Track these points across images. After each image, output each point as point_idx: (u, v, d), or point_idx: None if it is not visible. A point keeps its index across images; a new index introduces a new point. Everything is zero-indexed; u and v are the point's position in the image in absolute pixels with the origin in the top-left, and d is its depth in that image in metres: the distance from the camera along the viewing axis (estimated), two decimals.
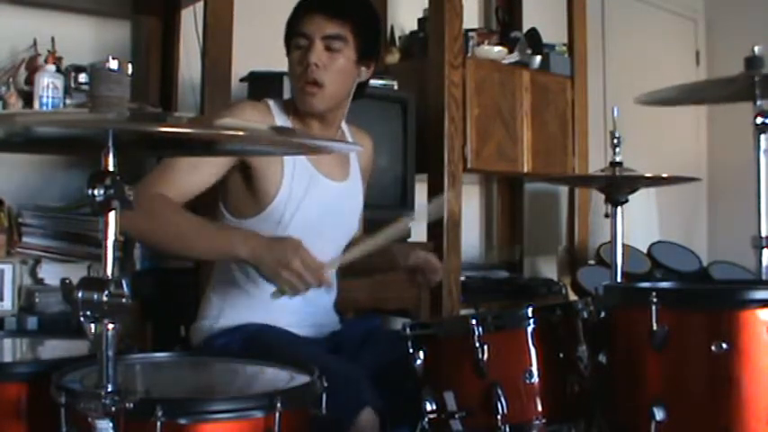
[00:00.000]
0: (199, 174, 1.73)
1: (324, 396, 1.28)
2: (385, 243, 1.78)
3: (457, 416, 1.53)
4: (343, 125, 1.97)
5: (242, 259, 1.64)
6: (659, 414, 1.43)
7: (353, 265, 1.82)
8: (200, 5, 2.62)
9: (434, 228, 3.13)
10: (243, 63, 2.68)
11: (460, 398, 1.54)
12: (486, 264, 3.92)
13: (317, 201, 1.83)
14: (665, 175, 1.94)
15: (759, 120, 2.09)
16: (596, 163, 3.54)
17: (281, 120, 1.85)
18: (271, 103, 1.88)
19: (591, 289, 2.19)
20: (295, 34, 1.81)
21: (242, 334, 1.77)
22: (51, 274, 2.41)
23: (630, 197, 1.92)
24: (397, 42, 3.54)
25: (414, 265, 1.96)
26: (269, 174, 1.78)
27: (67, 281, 1.17)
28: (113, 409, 1.09)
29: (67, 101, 2.40)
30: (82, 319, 1.11)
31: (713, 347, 1.40)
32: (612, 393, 1.58)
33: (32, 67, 2.41)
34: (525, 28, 3.81)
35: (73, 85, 2.42)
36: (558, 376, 1.58)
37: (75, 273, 2.35)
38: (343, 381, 1.45)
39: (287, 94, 2.02)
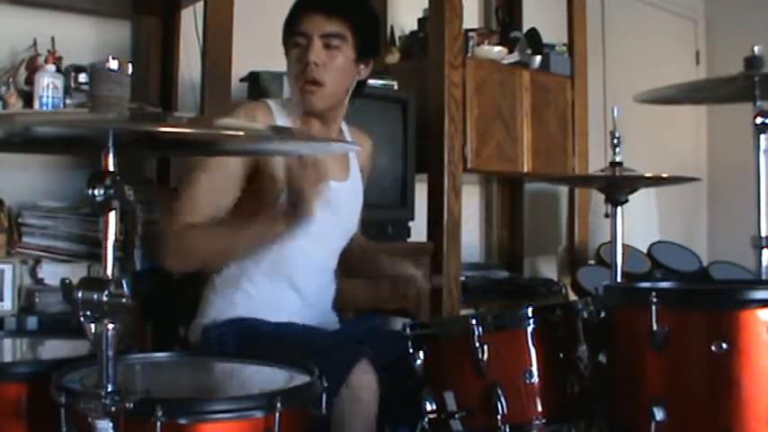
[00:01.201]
0: (218, 196, 1.73)
1: (324, 396, 1.28)
2: None
3: (457, 416, 1.53)
4: (343, 125, 1.97)
5: (285, 230, 1.68)
6: (659, 414, 1.43)
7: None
8: (200, 5, 2.62)
9: (434, 228, 3.13)
10: (243, 63, 2.68)
11: (460, 398, 1.54)
12: (486, 264, 3.92)
13: (319, 201, 1.83)
14: (665, 175, 1.94)
15: (759, 120, 2.09)
16: (596, 163, 3.54)
17: (281, 119, 1.84)
18: (270, 102, 1.88)
19: (591, 289, 2.19)
20: (293, 33, 1.81)
21: (236, 326, 1.77)
22: (51, 274, 2.41)
23: (630, 197, 1.92)
24: (397, 42, 3.54)
25: (397, 275, 1.96)
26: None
27: (67, 281, 1.17)
28: (113, 409, 1.09)
29: (67, 101, 2.39)
30: (82, 319, 1.11)
31: (713, 347, 1.40)
32: (612, 393, 1.58)
33: (32, 67, 2.41)
34: (525, 28, 3.81)
35: (73, 85, 2.42)
36: (558, 376, 1.58)
37: (76, 273, 2.35)
38: (337, 343, 1.44)
39: (287, 95, 2.02)
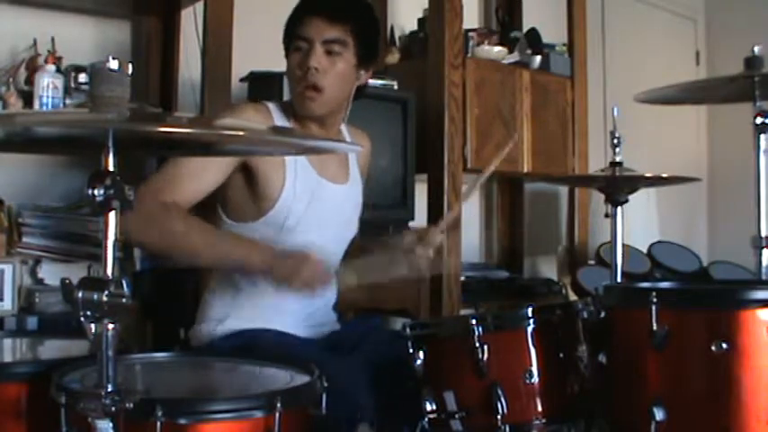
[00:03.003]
0: (203, 178, 1.72)
1: (324, 396, 1.28)
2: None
3: (457, 416, 1.53)
4: (342, 126, 1.97)
5: (255, 269, 1.68)
6: (659, 414, 1.43)
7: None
8: (200, 5, 2.62)
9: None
10: (243, 63, 2.68)
11: (460, 398, 1.54)
12: (486, 264, 3.92)
13: (320, 204, 1.83)
14: (665, 175, 1.94)
15: (759, 120, 2.09)
16: (596, 163, 3.54)
17: (280, 122, 1.84)
18: (270, 105, 1.87)
19: (591, 289, 2.20)
20: (295, 37, 1.79)
21: (241, 340, 1.77)
22: (51, 274, 2.42)
23: (630, 197, 1.93)
24: (397, 42, 3.54)
25: (409, 245, 1.85)
26: (271, 177, 1.78)
27: (67, 281, 1.17)
28: (113, 409, 1.09)
29: (67, 101, 2.40)
30: (82, 319, 1.11)
31: (713, 347, 1.40)
32: (612, 393, 1.58)
33: (32, 67, 2.41)
34: (525, 28, 3.81)
35: (73, 85, 2.42)
36: (558, 376, 1.58)
37: (75, 273, 2.35)
38: (340, 390, 1.42)
39: (287, 95, 2.02)
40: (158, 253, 1.73)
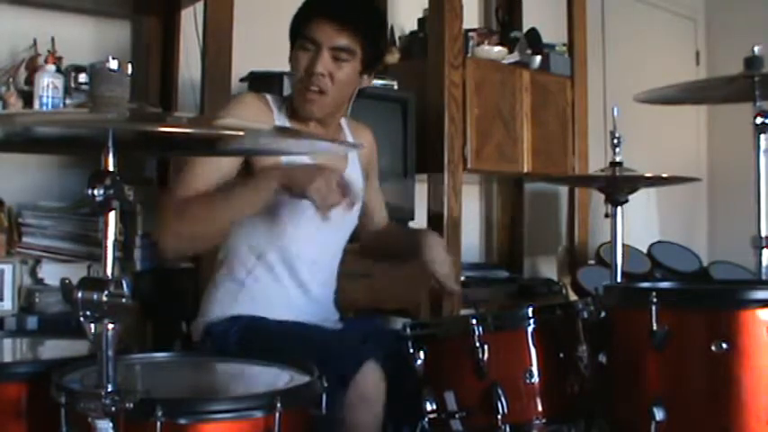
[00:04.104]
0: (216, 165, 1.73)
1: (324, 396, 1.28)
2: None
3: (457, 416, 1.53)
4: (342, 120, 1.97)
5: (277, 188, 1.66)
6: (659, 414, 1.43)
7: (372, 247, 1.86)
8: (200, 5, 2.62)
9: (435, 228, 3.13)
10: (243, 63, 2.68)
11: (460, 398, 1.54)
12: (487, 264, 3.92)
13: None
14: (665, 175, 1.94)
15: (759, 120, 2.09)
16: (596, 163, 3.54)
17: (279, 116, 1.85)
18: (269, 98, 1.88)
19: (591, 289, 2.20)
20: (303, 37, 1.79)
21: (239, 323, 1.78)
22: (51, 274, 2.41)
23: (630, 197, 1.92)
24: (397, 42, 3.54)
25: (432, 273, 1.87)
26: (267, 167, 1.78)
27: (67, 281, 1.17)
28: (113, 409, 1.09)
29: (67, 101, 2.40)
30: (82, 319, 1.11)
31: (713, 347, 1.40)
32: (612, 393, 1.58)
33: (32, 67, 2.41)
34: (525, 28, 3.81)
35: (73, 85, 2.42)
36: (558, 376, 1.58)
37: (76, 273, 2.35)
38: (344, 343, 1.44)
39: (287, 92, 2.02)
40: (201, 239, 1.72)
